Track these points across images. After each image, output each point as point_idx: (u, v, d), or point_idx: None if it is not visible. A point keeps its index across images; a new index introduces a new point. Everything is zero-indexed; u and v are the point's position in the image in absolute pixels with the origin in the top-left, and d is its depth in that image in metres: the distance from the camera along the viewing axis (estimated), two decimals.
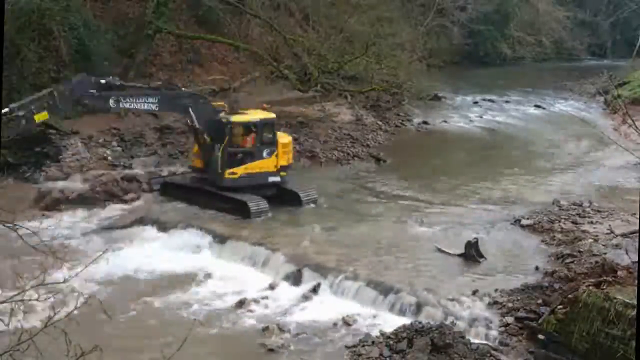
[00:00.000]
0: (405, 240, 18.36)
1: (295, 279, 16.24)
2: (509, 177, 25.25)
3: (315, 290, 15.66)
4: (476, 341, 13.02)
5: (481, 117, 35.45)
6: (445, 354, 12.42)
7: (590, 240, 17.23)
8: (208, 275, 16.55)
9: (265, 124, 20.10)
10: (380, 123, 30.60)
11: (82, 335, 6.54)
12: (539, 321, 12.93)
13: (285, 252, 17.22)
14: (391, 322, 14.15)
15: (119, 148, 25.53)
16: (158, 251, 17.61)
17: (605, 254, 15.68)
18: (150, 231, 18.75)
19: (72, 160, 24.48)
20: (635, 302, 10.98)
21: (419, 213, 20.35)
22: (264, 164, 19.89)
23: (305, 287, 15.87)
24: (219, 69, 31.73)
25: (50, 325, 6.14)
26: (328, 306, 15.12)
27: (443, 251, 17.18)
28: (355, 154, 26.93)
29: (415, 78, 35.29)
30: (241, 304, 15.13)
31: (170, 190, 21.33)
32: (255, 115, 20.53)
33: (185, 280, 16.32)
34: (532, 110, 37.87)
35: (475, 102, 38.46)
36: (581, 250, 16.53)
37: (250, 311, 14.91)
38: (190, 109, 19.55)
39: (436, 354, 12.44)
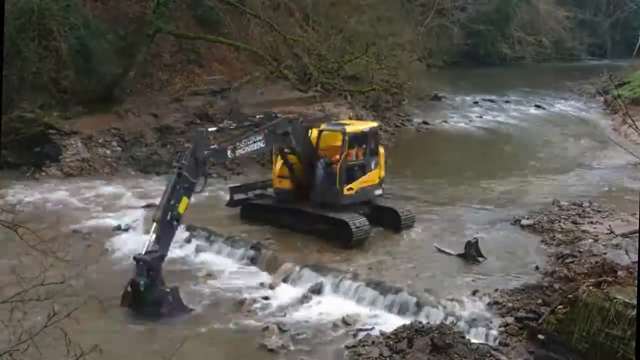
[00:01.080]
0: (405, 240, 18.37)
1: (295, 278, 16.25)
2: (509, 177, 25.25)
3: (315, 290, 15.65)
4: (476, 341, 13.02)
5: (481, 117, 35.49)
6: (445, 354, 12.41)
7: (590, 240, 17.23)
8: None
9: (373, 133, 19.00)
10: (380, 123, 30.60)
11: (82, 335, 6.55)
12: (539, 321, 12.92)
13: (285, 252, 17.25)
14: (391, 322, 14.15)
15: (119, 148, 25.56)
16: None
17: (605, 254, 15.68)
18: None
19: (72, 160, 24.52)
20: (635, 302, 10.98)
21: (419, 213, 20.33)
22: (372, 177, 18.55)
23: (305, 287, 15.87)
24: (219, 69, 31.72)
25: (50, 325, 6.14)
26: (328, 306, 15.12)
27: (443, 251, 17.18)
28: None
29: (415, 78, 35.34)
30: (241, 304, 15.13)
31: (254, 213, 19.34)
32: (364, 124, 19.55)
33: None
34: (532, 110, 37.91)
35: (475, 102, 38.50)
36: (581, 250, 16.52)
37: (250, 311, 14.90)
38: (290, 136, 17.89)
39: (436, 354, 12.44)
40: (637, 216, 18.82)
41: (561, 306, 12.61)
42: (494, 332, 13.46)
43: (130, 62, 27.96)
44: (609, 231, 17.33)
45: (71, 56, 26.22)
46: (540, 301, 13.99)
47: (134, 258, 14.54)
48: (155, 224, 14.73)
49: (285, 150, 18.18)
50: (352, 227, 17.09)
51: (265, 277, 16.44)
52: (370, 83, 31.84)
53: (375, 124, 19.56)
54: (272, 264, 16.84)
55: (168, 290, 14.44)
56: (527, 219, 19.51)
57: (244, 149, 17.35)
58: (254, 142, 17.43)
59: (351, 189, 17.92)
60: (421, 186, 23.77)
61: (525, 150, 30.26)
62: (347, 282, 15.65)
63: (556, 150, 29.73)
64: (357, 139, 18.25)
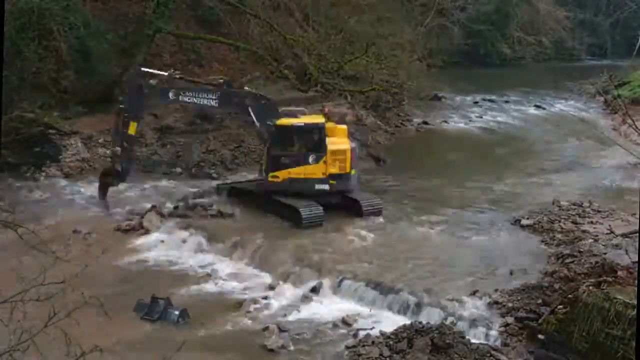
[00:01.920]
0: (405, 240, 18.36)
1: (295, 278, 16.25)
2: (508, 177, 25.24)
3: (315, 290, 15.65)
4: (476, 341, 13.02)
5: (481, 117, 35.48)
6: (445, 354, 12.41)
7: (590, 240, 17.23)
8: None
9: (314, 129, 19.39)
10: (380, 123, 30.60)
11: (82, 335, 6.54)
12: (539, 321, 12.92)
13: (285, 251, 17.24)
14: (391, 322, 14.16)
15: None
16: None
17: (605, 254, 15.68)
18: None
19: (72, 160, 24.50)
20: (635, 302, 10.98)
21: (419, 213, 20.34)
22: (309, 170, 19.14)
23: (305, 287, 15.88)
24: (219, 69, 31.70)
25: (50, 325, 6.14)
26: (328, 306, 15.12)
27: None
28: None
29: (415, 78, 35.29)
30: (240, 304, 15.13)
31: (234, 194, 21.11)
32: (305, 120, 19.81)
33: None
34: (532, 110, 37.91)
35: (475, 102, 38.50)
36: (581, 250, 16.53)
37: (250, 311, 14.90)
38: (250, 109, 19.37)
39: (436, 354, 12.44)
40: (637, 216, 18.83)
41: (561, 306, 12.61)
42: (494, 332, 13.46)
43: (130, 62, 27.92)
44: (609, 231, 17.34)
45: (71, 56, 26.20)
46: (540, 301, 14.00)
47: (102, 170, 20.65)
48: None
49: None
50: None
51: (265, 278, 16.45)
52: (370, 83, 31.82)
53: (318, 121, 19.72)
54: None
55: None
56: (527, 219, 19.52)
57: (190, 99, 19.65)
58: (205, 97, 19.55)
59: (276, 177, 19.08)
60: (421, 186, 23.77)
61: (525, 150, 30.25)
62: (347, 282, 15.66)
63: (556, 150, 29.72)
64: (289, 132, 19.24)
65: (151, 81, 19.58)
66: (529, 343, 12.88)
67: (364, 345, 13.13)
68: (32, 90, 24.69)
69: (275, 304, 15.26)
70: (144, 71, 20.17)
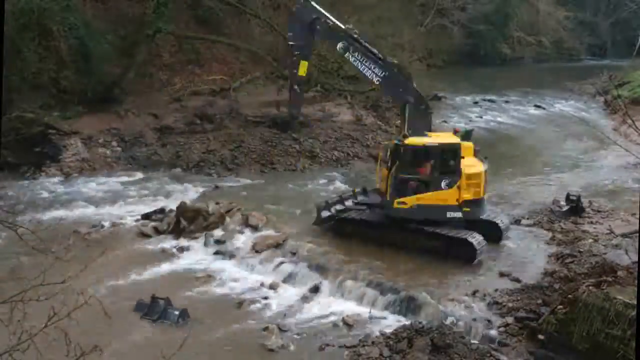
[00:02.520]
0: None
1: (295, 278, 16.25)
2: (508, 177, 25.23)
3: (315, 290, 15.64)
4: (476, 341, 13.02)
5: (481, 117, 35.47)
6: (445, 354, 12.41)
7: (590, 240, 17.23)
8: None
9: (447, 151, 16.88)
10: (380, 123, 30.58)
11: (82, 336, 6.54)
12: (539, 321, 12.92)
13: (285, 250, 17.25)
14: (391, 322, 14.16)
15: (118, 148, 25.54)
16: None
17: (605, 254, 15.68)
18: None
19: (72, 160, 24.51)
20: (635, 302, 10.97)
21: None
22: (440, 196, 16.78)
23: (305, 287, 15.88)
24: (219, 69, 31.72)
25: (50, 325, 6.14)
26: (328, 306, 15.12)
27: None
28: (355, 154, 26.92)
29: (415, 78, 35.26)
30: (240, 304, 15.13)
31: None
32: (438, 139, 17.24)
33: None
34: (532, 110, 37.89)
35: (475, 102, 38.50)
36: (581, 250, 16.53)
37: (250, 312, 14.91)
38: (407, 107, 17.45)
39: (436, 354, 12.44)
40: (637, 216, 18.84)
41: (561, 306, 12.60)
42: (494, 332, 13.45)
43: (130, 62, 27.96)
44: (609, 231, 17.33)
45: (71, 56, 26.23)
46: (540, 301, 14.01)
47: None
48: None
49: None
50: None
51: (265, 278, 16.46)
52: (370, 83, 31.79)
53: (453, 141, 17.00)
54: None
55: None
56: (527, 219, 19.51)
57: (355, 60, 17.88)
58: (371, 68, 17.86)
59: (403, 203, 16.81)
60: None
61: (525, 150, 30.25)
62: (347, 282, 15.65)
63: (556, 150, 29.71)
64: (419, 153, 16.94)
65: (326, 17, 18.18)
66: (529, 343, 12.88)
67: (364, 346, 13.14)
68: (32, 90, 24.71)
69: (275, 304, 15.25)
70: (315, 7, 18.41)
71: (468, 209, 16.82)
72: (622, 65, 42.42)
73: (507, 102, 39.25)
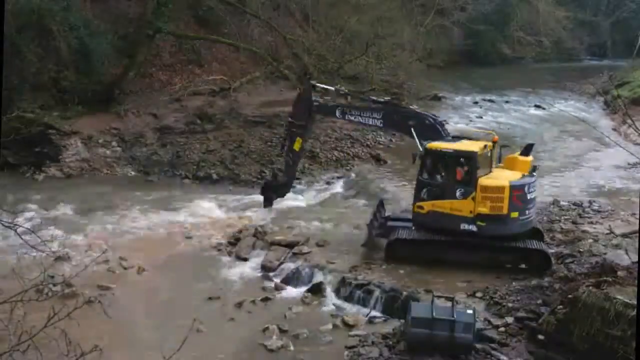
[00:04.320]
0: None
1: (295, 279, 16.26)
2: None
3: (315, 290, 15.64)
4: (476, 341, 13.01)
5: (481, 117, 35.44)
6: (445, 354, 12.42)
7: (590, 240, 17.21)
8: None
9: (465, 158, 16.23)
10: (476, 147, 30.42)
11: (82, 336, 6.54)
12: (539, 321, 12.91)
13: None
14: (391, 322, 14.16)
15: (118, 148, 25.55)
16: None
17: (605, 254, 15.67)
18: None
19: (72, 161, 24.52)
20: (635, 302, 10.97)
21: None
22: (455, 205, 16.12)
23: (305, 287, 15.89)
24: (219, 69, 31.72)
25: (50, 326, 6.14)
26: (328, 306, 15.13)
27: None
28: (355, 154, 26.92)
29: (415, 78, 35.31)
30: (240, 304, 15.14)
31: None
32: (458, 146, 16.55)
33: None
34: (532, 110, 37.89)
35: (475, 102, 38.49)
36: (581, 250, 16.52)
37: (250, 312, 14.91)
38: (412, 130, 17.20)
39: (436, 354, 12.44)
40: (637, 216, 18.83)
41: (561, 306, 12.59)
42: (494, 332, 13.45)
43: (130, 62, 27.97)
44: (609, 231, 17.33)
45: (71, 56, 26.24)
46: (540, 301, 14.00)
47: (264, 181, 21.58)
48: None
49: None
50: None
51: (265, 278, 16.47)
52: (370, 83, 31.84)
53: (469, 149, 16.29)
54: None
55: None
56: None
57: (355, 117, 18.71)
58: (370, 117, 18.46)
59: (421, 207, 16.52)
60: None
61: None
62: (348, 282, 15.64)
63: (556, 150, 29.69)
64: (437, 158, 16.60)
65: (320, 99, 19.81)
66: (529, 343, 12.88)
67: (363, 345, 13.14)
68: (32, 90, 24.74)
69: (275, 304, 15.26)
70: (314, 85, 20.14)
71: (483, 224, 15.96)
72: (622, 65, 42.45)
73: (507, 102, 39.24)
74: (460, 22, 50.41)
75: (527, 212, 16.07)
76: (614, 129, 31.92)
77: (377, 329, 13.92)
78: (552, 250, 16.97)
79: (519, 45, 54.33)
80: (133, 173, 24.88)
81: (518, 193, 15.85)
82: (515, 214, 15.88)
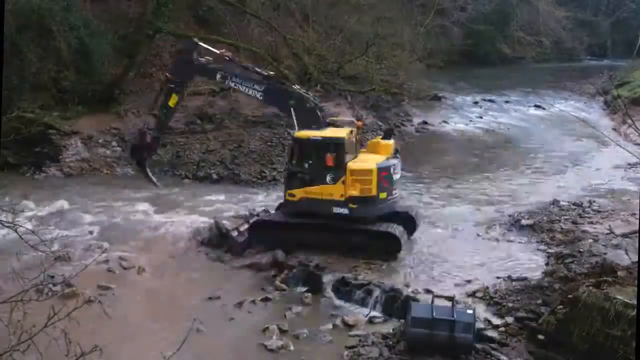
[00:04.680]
0: (404, 240, 18.30)
1: (295, 279, 16.26)
2: (508, 177, 25.25)
3: (315, 290, 15.64)
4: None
5: (481, 117, 35.47)
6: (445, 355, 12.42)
7: (590, 240, 17.22)
8: None
9: (333, 145, 16.92)
10: (380, 123, 30.58)
11: (82, 336, 6.54)
12: (539, 321, 12.91)
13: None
14: (391, 322, 14.16)
15: (118, 148, 25.55)
16: None
17: (605, 254, 15.68)
18: None
19: (72, 160, 24.51)
20: (635, 302, 10.97)
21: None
22: (326, 190, 16.76)
23: (305, 287, 15.89)
24: None
25: (50, 325, 6.14)
26: (327, 306, 15.12)
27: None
28: None
29: (415, 78, 35.30)
30: (240, 304, 15.13)
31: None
32: (324, 133, 17.33)
33: None
34: (532, 110, 37.89)
35: (475, 102, 38.48)
36: (581, 250, 16.52)
37: (250, 312, 14.91)
38: (292, 110, 17.68)
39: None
40: (637, 216, 18.83)
41: (561, 306, 12.59)
42: (494, 332, 13.45)
43: (130, 62, 27.97)
44: (609, 231, 17.34)
45: (71, 56, 26.24)
46: (540, 301, 14.00)
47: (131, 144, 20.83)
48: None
49: None
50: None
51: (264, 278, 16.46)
52: (370, 83, 31.84)
53: (337, 135, 17.16)
54: None
55: None
56: (527, 219, 19.50)
57: (236, 85, 19.05)
58: (252, 87, 18.75)
59: (292, 195, 17.09)
60: (421, 186, 23.79)
61: (525, 150, 30.23)
62: (347, 282, 15.63)
63: (556, 150, 29.70)
64: (308, 146, 17.08)
65: (203, 58, 19.58)
66: (529, 343, 12.88)
67: (363, 346, 13.15)
68: (32, 90, 24.73)
69: (275, 304, 15.26)
70: (196, 44, 19.99)
71: (354, 206, 16.62)
72: (622, 65, 42.43)
73: (507, 102, 39.24)
74: (460, 22, 50.42)
75: (393, 192, 17.14)
76: (614, 129, 31.93)
77: (377, 329, 13.92)
78: (552, 250, 16.99)
79: (519, 45, 54.34)
80: (133, 173, 24.84)
81: (385, 174, 16.81)
82: (383, 195, 16.80)
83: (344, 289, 15.52)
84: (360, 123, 18.58)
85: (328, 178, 16.78)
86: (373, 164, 16.84)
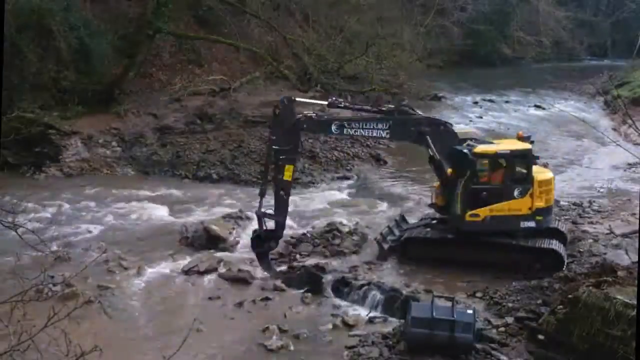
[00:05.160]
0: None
1: (295, 279, 16.25)
2: None
3: (315, 290, 15.63)
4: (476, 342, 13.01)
5: (481, 117, 35.45)
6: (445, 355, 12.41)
7: (590, 240, 17.22)
8: None
9: (519, 156, 16.30)
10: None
11: (82, 336, 6.54)
12: (539, 321, 12.91)
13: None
14: (391, 322, 14.16)
15: (118, 148, 25.57)
16: None
17: (605, 254, 15.68)
18: None
19: (72, 160, 24.52)
20: (635, 302, 10.97)
21: (419, 214, 20.32)
22: (513, 205, 16.09)
23: (305, 287, 15.88)
24: (219, 69, 31.74)
25: (50, 325, 6.14)
26: (328, 306, 15.12)
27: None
28: (355, 154, 26.90)
29: (415, 78, 35.33)
30: (240, 304, 15.13)
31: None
32: (506, 145, 16.79)
33: None
34: (532, 110, 37.88)
35: (475, 102, 38.48)
36: (581, 250, 16.52)
37: (250, 312, 14.90)
38: (428, 138, 16.30)
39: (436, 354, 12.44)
40: (637, 216, 18.83)
41: (561, 306, 12.58)
42: (494, 332, 13.45)
43: (130, 62, 27.99)
44: (609, 231, 17.33)
45: (71, 56, 26.26)
46: (540, 301, 14.00)
47: (256, 213, 16.65)
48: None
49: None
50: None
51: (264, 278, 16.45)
52: (370, 83, 31.86)
53: (523, 147, 16.39)
54: None
55: None
56: None
57: (356, 130, 16.68)
58: (375, 128, 16.47)
59: (476, 215, 16.04)
60: (421, 186, 23.74)
61: None
62: (347, 282, 15.63)
63: (556, 151, 29.70)
64: (494, 162, 16.37)
65: (308, 113, 16.79)
66: (529, 343, 12.88)
67: (364, 345, 13.14)
68: (32, 90, 24.75)
69: (275, 304, 15.25)
70: (293, 100, 16.81)
71: (540, 218, 16.12)
72: (622, 65, 42.43)
73: (507, 102, 39.24)
74: (460, 22, 50.43)
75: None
76: (614, 129, 31.92)
77: (377, 329, 13.91)
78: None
79: (519, 45, 54.34)
80: (133, 173, 24.88)
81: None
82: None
83: (344, 289, 15.54)
84: (521, 133, 17.69)
85: (516, 192, 16.09)
86: (549, 172, 16.76)
